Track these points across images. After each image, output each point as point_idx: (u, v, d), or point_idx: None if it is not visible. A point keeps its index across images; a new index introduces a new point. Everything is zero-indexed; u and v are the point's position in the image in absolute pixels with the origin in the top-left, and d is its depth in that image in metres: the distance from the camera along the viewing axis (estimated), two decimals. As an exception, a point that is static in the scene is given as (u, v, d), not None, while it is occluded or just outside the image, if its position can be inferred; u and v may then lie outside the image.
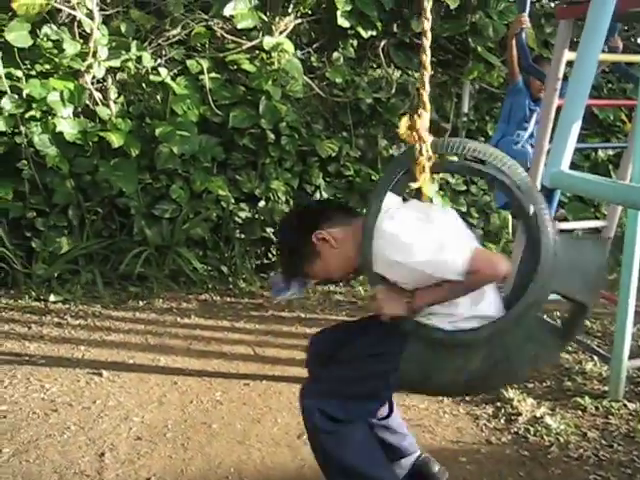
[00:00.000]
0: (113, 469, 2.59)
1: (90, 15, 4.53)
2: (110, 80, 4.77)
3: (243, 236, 5.02)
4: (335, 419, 2.03)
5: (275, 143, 5.01)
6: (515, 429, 2.97)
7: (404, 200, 2.10)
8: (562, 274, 1.88)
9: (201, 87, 4.87)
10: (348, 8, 4.97)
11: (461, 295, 1.90)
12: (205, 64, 4.85)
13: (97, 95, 4.71)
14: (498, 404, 3.17)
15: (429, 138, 1.95)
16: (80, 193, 4.65)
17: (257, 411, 3.10)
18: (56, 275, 4.56)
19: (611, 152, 6.01)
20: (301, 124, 5.15)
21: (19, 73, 4.46)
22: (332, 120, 5.44)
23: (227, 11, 4.77)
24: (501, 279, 1.87)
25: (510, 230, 5.55)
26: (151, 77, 4.79)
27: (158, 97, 4.86)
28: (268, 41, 4.87)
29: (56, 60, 4.53)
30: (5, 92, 4.38)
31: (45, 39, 4.49)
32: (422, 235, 1.87)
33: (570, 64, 3.01)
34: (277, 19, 4.99)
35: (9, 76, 4.44)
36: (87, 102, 4.69)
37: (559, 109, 2.86)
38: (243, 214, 4.98)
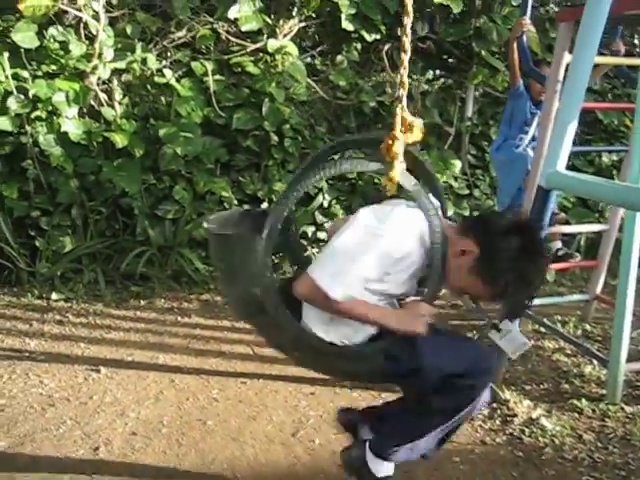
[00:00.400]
0: (107, 463, 2.61)
1: (96, 17, 4.57)
2: (115, 81, 4.81)
3: (245, 238, 5.02)
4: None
5: (278, 145, 5.03)
6: (510, 430, 2.97)
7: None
8: None
9: (205, 89, 4.90)
10: (352, 11, 4.99)
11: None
12: (210, 66, 4.88)
13: (102, 96, 4.75)
14: (494, 405, 3.16)
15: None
16: (84, 193, 4.68)
17: (253, 409, 3.12)
18: (59, 274, 4.59)
19: (615, 157, 5.99)
20: (304, 126, 5.17)
21: (25, 74, 4.51)
22: (335, 123, 5.46)
23: (232, 14, 4.80)
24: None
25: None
26: (156, 79, 4.82)
27: (163, 98, 4.89)
28: (272, 44, 4.90)
29: (62, 61, 4.56)
30: (11, 92, 4.43)
31: (51, 40, 4.53)
32: (343, 238, 1.99)
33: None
34: (281, 22, 5.01)
35: (16, 77, 4.49)
36: (92, 103, 4.73)
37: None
38: (246, 215, 4.99)
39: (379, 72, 5.60)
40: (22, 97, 4.45)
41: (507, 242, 1.96)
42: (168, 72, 4.82)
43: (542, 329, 4.04)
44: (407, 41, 2.02)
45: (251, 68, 4.94)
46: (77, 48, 4.56)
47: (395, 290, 2.05)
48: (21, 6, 4.30)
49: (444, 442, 2.26)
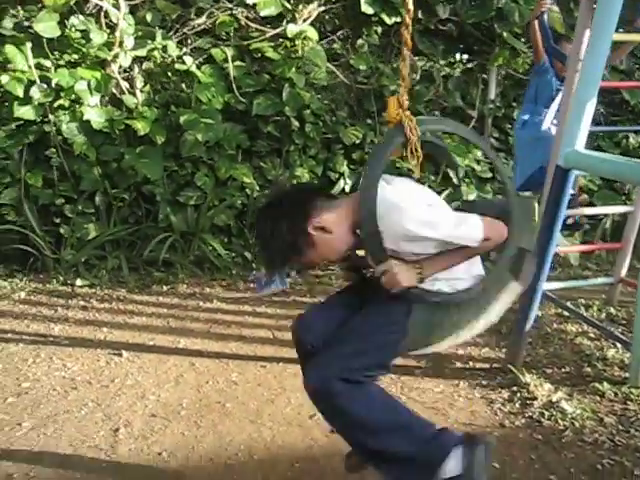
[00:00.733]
0: (126, 444, 2.65)
1: (116, 5, 4.60)
2: (136, 69, 4.85)
3: (267, 223, 5.04)
4: (349, 381, 2.00)
5: (299, 130, 5.04)
6: (530, 413, 2.94)
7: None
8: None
9: (226, 75, 4.92)
10: (372, -6, 4.96)
11: (467, 259, 2.05)
12: (230, 52, 4.89)
13: (124, 84, 4.80)
14: (514, 388, 3.15)
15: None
16: (107, 180, 4.74)
17: (271, 392, 3.14)
18: (83, 260, 4.67)
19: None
20: (325, 111, 5.15)
21: (48, 63, 4.58)
22: (356, 107, 5.43)
23: (251, -1, 4.80)
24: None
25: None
26: (176, 66, 4.85)
27: (183, 85, 4.92)
28: (292, 29, 4.89)
29: (83, 50, 4.62)
30: (34, 82, 4.49)
31: (73, 29, 4.58)
32: (441, 210, 2.08)
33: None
34: (300, 7, 4.99)
35: (38, 66, 4.55)
36: (114, 91, 4.79)
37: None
38: (267, 201, 5.00)
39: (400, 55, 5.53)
40: (45, 86, 4.52)
41: None
42: (188, 59, 4.84)
43: (565, 313, 4.00)
44: (408, 37, 2.07)
45: (271, 54, 4.94)
46: (98, 37, 4.60)
47: None
48: (42, -4, 4.35)
49: None
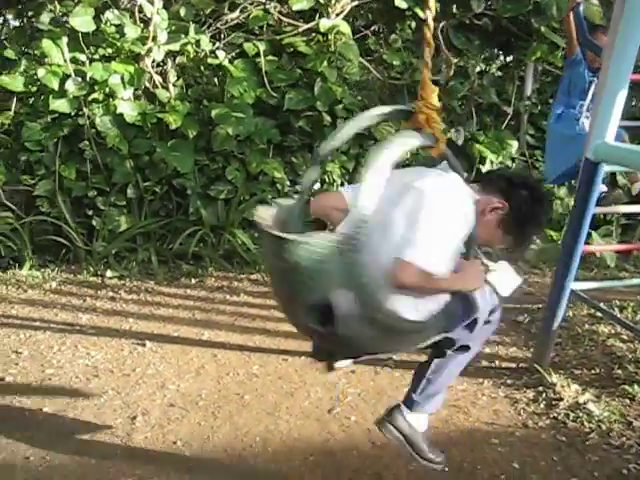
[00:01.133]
0: (142, 432, 2.67)
1: (150, 0, 4.64)
2: (169, 63, 4.88)
3: (298, 218, 5.02)
4: None
5: (331, 126, 4.98)
6: (554, 414, 2.87)
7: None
8: None
9: (258, 70, 4.91)
10: (406, -12, 4.90)
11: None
12: (262, 47, 4.89)
13: (157, 78, 4.83)
14: (540, 389, 3.07)
15: None
16: (139, 173, 4.78)
17: (291, 385, 3.12)
18: (114, 252, 4.72)
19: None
20: (357, 107, 5.11)
21: (83, 57, 4.65)
22: (389, 102, 5.35)
23: (283, -7, 4.79)
24: None
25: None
26: (209, 60, 4.88)
27: (216, 80, 4.94)
28: (324, 23, 4.86)
29: (118, 44, 4.67)
30: (70, 75, 4.56)
31: (107, 24, 4.64)
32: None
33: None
34: (333, 1, 4.96)
35: (74, 60, 4.63)
36: (147, 85, 4.83)
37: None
38: (299, 196, 4.98)
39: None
40: (80, 80, 4.58)
41: (525, 195, 2.16)
42: (221, 53, 4.86)
43: (598, 314, 3.88)
44: (430, 35, 2.03)
45: (303, 48, 4.92)
46: (132, 31, 4.65)
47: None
48: (78, -9, 4.42)
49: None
